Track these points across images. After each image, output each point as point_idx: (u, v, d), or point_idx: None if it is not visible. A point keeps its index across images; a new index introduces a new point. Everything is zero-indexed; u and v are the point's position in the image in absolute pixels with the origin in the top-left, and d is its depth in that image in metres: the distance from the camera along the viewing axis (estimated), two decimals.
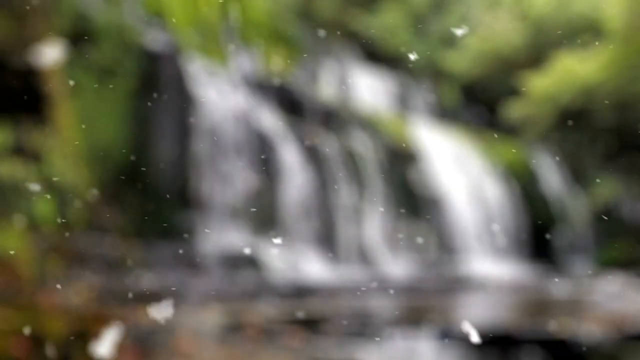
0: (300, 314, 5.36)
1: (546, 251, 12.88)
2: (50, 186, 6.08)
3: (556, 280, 10.00)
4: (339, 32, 16.70)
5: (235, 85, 10.13)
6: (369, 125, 11.85)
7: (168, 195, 8.75)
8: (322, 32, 15.80)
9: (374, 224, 10.73)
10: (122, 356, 3.56)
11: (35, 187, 5.78)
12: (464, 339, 4.57)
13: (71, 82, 7.35)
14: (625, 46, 13.53)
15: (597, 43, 14.23)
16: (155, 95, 9.01)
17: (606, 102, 13.41)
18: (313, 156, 10.28)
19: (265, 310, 5.83)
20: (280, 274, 8.45)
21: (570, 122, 14.14)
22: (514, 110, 14.86)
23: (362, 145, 11.26)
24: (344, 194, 10.44)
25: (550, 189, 13.74)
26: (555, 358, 4.43)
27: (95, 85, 8.19)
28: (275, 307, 5.98)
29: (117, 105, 8.55)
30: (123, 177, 8.25)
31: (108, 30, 8.42)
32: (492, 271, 10.89)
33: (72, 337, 3.42)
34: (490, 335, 4.62)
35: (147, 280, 6.78)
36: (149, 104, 8.92)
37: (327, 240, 9.94)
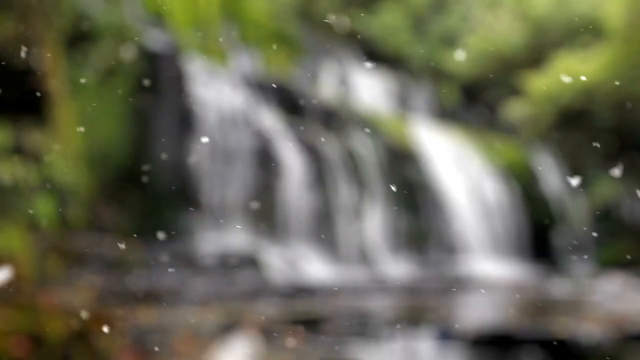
0: (300, 314, 5.36)
1: (546, 251, 12.87)
2: (50, 186, 6.08)
3: (556, 280, 10.00)
4: (338, 32, 16.69)
5: (235, 85, 10.13)
6: (369, 125, 11.84)
7: (168, 195, 8.74)
8: (322, 33, 15.80)
9: (374, 223, 10.73)
10: (122, 356, 3.56)
11: (35, 187, 5.78)
12: (464, 339, 4.57)
13: (71, 82, 7.35)
14: (625, 46, 13.52)
15: (597, 43, 14.23)
16: (155, 95, 9.01)
17: (606, 102, 13.41)
18: (313, 156, 10.28)
19: (265, 310, 5.83)
20: (280, 274, 8.44)
21: (570, 122, 14.14)
22: (514, 110, 14.85)
23: (362, 145, 11.26)
24: (344, 193, 10.44)
25: (550, 189, 13.74)
26: (555, 358, 4.43)
27: (95, 85, 8.19)
28: (275, 307, 5.98)
29: (117, 105, 8.55)
30: (123, 177, 8.25)
31: (108, 30, 8.42)
32: (492, 271, 10.88)
33: (72, 337, 3.42)
34: (490, 335, 4.62)
35: (147, 280, 6.78)
36: (149, 104, 8.91)
37: (327, 240, 9.93)
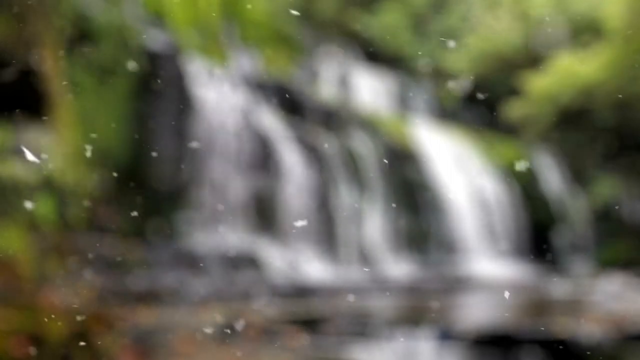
0: (300, 314, 5.36)
1: (546, 251, 12.88)
2: (50, 186, 6.08)
3: (556, 280, 10.00)
4: (338, 32, 16.69)
5: (235, 85, 10.13)
6: (369, 125, 11.84)
7: (168, 195, 8.74)
8: (322, 33, 15.79)
9: (374, 224, 10.72)
10: (122, 356, 3.56)
11: (35, 187, 5.78)
12: (464, 339, 4.58)
13: (71, 82, 7.34)
14: (625, 46, 13.52)
15: (597, 43, 14.23)
16: (155, 95, 9.01)
17: (606, 102, 13.40)
18: (313, 156, 10.27)
19: (265, 310, 5.83)
20: (280, 274, 8.44)
21: (570, 122, 14.14)
22: (514, 110, 14.85)
23: (362, 145, 11.26)
24: (344, 194, 10.44)
25: (550, 189, 13.74)
26: (555, 358, 4.43)
27: (95, 85, 8.19)
28: (275, 307, 5.98)
29: (117, 105, 8.55)
30: (123, 177, 8.25)
31: (108, 30, 8.42)
32: (492, 271, 10.88)
33: (72, 337, 3.42)
34: (490, 335, 4.62)
35: (147, 280, 6.78)
36: (149, 104, 8.92)
37: (327, 240, 9.93)
